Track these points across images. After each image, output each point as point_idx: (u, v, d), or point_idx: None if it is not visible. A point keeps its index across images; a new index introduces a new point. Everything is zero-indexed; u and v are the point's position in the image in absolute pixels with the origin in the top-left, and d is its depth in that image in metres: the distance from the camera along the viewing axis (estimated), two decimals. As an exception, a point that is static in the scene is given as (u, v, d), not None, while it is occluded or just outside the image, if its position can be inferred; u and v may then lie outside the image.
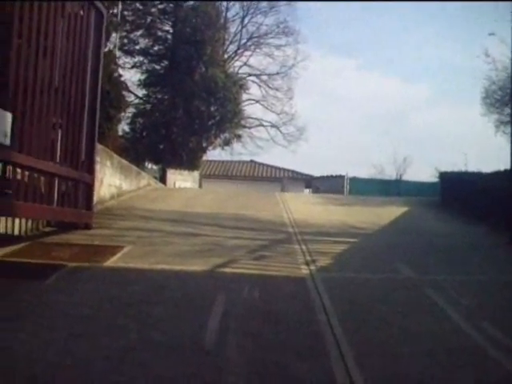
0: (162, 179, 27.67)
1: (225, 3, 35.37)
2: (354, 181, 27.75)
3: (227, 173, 43.79)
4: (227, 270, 8.27)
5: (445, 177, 20.06)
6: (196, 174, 28.02)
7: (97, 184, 12.65)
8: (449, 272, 8.87)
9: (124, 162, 17.33)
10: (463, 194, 17.26)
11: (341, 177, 27.67)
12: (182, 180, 27.90)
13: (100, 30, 11.36)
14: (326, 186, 27.88)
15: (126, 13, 32.07)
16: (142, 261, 8.54)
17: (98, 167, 12.65)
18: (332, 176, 27.94)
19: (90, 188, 11.15)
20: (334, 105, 65.29)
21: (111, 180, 15.36)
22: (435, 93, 63.05)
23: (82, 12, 10.59)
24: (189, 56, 30.65)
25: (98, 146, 12.41)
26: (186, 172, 27.80)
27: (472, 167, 43.47)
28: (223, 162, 43.40)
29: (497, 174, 15.37)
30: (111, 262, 8.46)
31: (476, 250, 11.23)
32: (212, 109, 31.40)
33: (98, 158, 12.42)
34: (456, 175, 19.14)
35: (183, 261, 8.71)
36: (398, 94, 64.18)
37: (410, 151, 68.49)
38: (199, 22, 30.00)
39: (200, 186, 31.82)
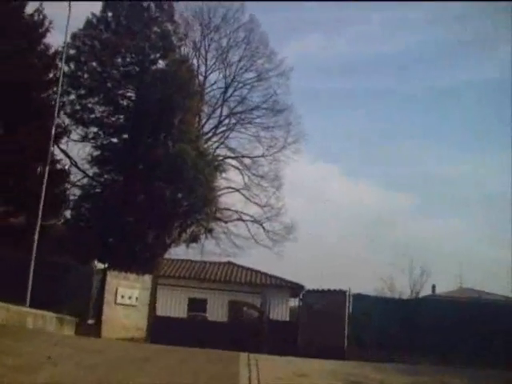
0: (102, 285, 20.34)
1: (203, 68, 29.56)
2: (359, 299, 20.72)
3: (197, 275, 36.32)
4: None
5: None
6: (148, 278, 20.85)
7: None
8: None
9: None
10: None
11: (341, 292, 20.49)
12: (127, 286, 20.61)
13: None
14: (322, 303, 20.68)
15: (79, 73, 26.04)
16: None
17: None
18: (330, 291, 20.73)
19: None
20: (323, 210, 60.04)
21: None
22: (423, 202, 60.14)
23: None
24: (153, 127, 24.28)
25: None
26: (133, 276, 20.62)
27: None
28: (192, 261, 36.11)
29: None
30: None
31: None
32: (179, 195, 24.58)
33: None
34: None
35: None
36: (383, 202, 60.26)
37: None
38: (168, 87, 23.85)
39: (153, 295, 24.33)
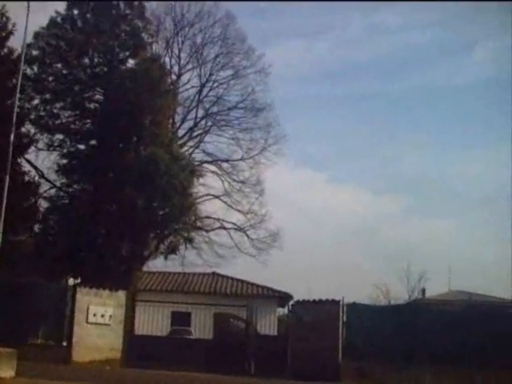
0: (72, 303, 18.41)
1: (176, 67, 27.68)
2: (355, 308, 18.97)
3: (180, 288, 34.41)
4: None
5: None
6: (122, 294, 18.90)
7: None
8: None
9: None
10: None
11: (334, 302, 18.67)
12: (99, 304, 18.66)
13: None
14: (313, 314, 18.86)
15: (44, 76, 24.17)
16: None
17: None
18: (321, 301, 18.89)
19: None
20: (307, 218, 58.29)
21: None
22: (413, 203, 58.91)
23: None
24: (122, 131, 22.43)
25: None
26: (106, 292, 18.68)
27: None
28: (174, 273, 34.19)
29: None
30: None
31: None
32: (154, 204, 22.70)
33: None
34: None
35: None
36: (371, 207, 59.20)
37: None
38: (137, 86, 22.00)
39: (128, 312, 22.37)
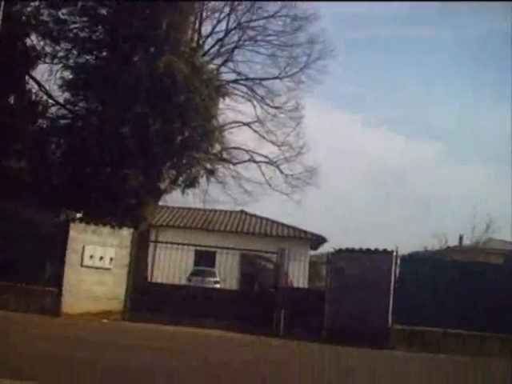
0: (63, 240, 15.21)
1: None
2: (410, 261, 15.39)
3: (204, 225, 31.36)
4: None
5: None
6: (127, 232, 15.53)
7: None
8: None
9: None
10: None
11: (385, 253, 15.07)
12: (98, 244, 15.45)
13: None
14: (357, 267, 15.35)
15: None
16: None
17: None
18: (369, 250, 15.29)
19: None
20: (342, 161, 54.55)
21: None
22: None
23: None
24: (136, 40, 18.65)
25: None
26: (107, 230, 15.36)
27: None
28: (196, 209, 31.01)
29: None
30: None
31: None
32: (173, 126, 19.00)
33: None
34: None
35: None
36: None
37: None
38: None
39: (142, 255, 19.07)
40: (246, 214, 33.58)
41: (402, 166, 57.28)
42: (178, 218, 32.26)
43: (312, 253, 33.06)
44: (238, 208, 31.54)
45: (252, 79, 23.88)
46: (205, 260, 25.89)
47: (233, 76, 24.41)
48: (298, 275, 19.75)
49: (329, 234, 31.46)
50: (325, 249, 31.17)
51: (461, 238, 36.48)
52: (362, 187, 58.05)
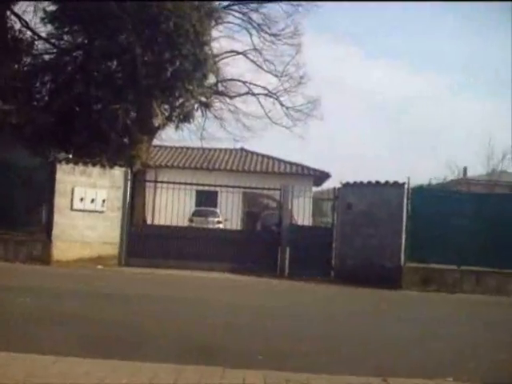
0: (49, 183, 14.14)
1: None
2: (423, 194, 14.32)
3: (204, 164, 30.18)
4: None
5: None
6: (119, 172, 14.41)
7: None
8: None
9: None
10: None
11: (396, 185, 14.00)
12: (88, 185, 14.39)
13: None
14: (366, 201, 14.34)
15: None
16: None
17: None
18: (379, 183, 14.23)
19: None
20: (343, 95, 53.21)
21: None
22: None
23: None
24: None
25: None
26: (97, 170, 14.20)
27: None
28: (195, 148, 29.72)
29: None
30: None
31: None
32: (164, 56, 17.46)
33: None
34: None
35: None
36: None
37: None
38: None
39: (139, 197, 18.06)
40: (247, 151, 32.40)
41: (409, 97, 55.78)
42: (177, 157, 31.06)
43: (314, 189, 32.13)
44: (238, 146, 30.42)
45: (247, 1, 22.06)
46: (206, 200, 24.91)
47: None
48: (301, 213, 18.79)
49: (333, 170, 30.49)
50: (327, 185, 30.23)
51: (466, 171, 35.97)
52: (367, 120, 56.65)
